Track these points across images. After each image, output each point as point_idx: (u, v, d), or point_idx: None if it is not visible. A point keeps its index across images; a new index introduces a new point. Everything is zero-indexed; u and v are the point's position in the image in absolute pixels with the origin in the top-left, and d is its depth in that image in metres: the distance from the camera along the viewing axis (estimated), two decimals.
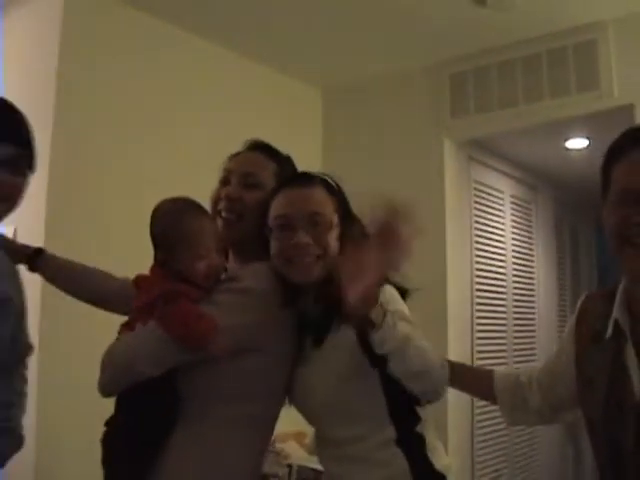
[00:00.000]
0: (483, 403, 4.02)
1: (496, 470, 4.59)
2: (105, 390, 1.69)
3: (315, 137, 4.79)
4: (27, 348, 1.93)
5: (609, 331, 1.59)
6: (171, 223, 1.75)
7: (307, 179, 1.84)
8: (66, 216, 3.24)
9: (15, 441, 1.83)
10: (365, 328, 1.46)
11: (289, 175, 1.93)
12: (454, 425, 4.10)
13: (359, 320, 1.46)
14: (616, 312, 1.59)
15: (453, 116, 4.39)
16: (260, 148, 1.99)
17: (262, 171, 1.93)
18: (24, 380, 1.91)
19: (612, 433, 1.53)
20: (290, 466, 3.61)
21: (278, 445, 3.62)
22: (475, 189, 4.67)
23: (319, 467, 2.86)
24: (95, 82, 3.44)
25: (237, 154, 2.00)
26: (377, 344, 1.45)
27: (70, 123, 3.32)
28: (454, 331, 4.17)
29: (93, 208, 3.33)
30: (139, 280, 1.79)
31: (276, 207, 1.80)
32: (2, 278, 1.73)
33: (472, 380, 2.04)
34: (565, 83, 3.90)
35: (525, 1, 3.60)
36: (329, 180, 1.86)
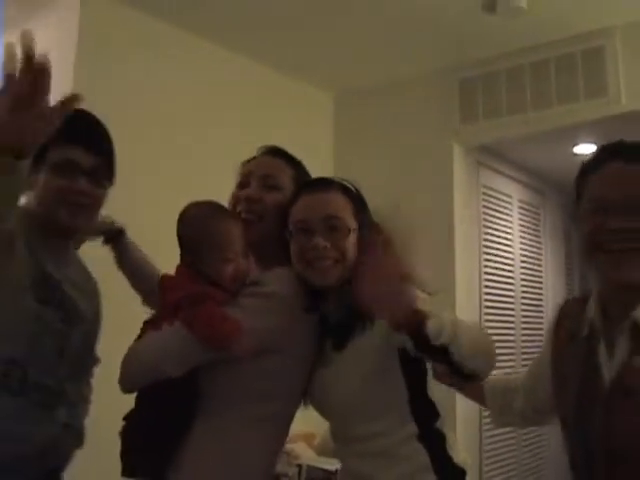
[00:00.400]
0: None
1: (504, 471, 4.62)
2: (127, 386, 1.73)
3: (327, 141, 4.84)
4: (95, 359, 2.04)
5: (584, 331, 1.68)
6: (200, 227, 1.78)
7: (326, 184, 1.86)
8: None
9: (77, 440, 1.92)
10: (415, 327, 1.45)
11: (309, 180, 1.96)
12: (463, 427, 4.13)
13: (406, 321, 1.46)
14: (590, 313, 1.68)
15: (462, 121, 4.43)
16: (276, 153, 2.01)
17: (281, 174, 1.95)
18: (90, 388, 2.02)
19: (583, 427, 1.61)
20: (300, 466, 3.65)
21: (288, 445, 3.65)
22: (484, 194, 4.71)
23: (328, 467, 2.89)
24: (111, 88, 3.48)
25: (253, 159, 2.02)
26: (434, 336, 1.44)
27: None
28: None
29: (110, 211, 3.35)
30: (165, 280, 1.81)
31: (296, 211, 1.83)
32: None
33: None
34: (573, 89, 3.94)
35: (534, 8, 3.63)
36: (348, 185, 1.88)
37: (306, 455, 3.79)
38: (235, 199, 1.94)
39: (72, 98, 1.39)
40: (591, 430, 1.59)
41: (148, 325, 1.78)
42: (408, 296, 1.44)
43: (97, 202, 1.89)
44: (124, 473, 1.72)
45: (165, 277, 1.82)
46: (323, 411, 1.86)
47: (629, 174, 1.58)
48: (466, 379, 1.58)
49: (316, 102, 4.85)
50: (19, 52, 1.27)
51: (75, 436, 1.93)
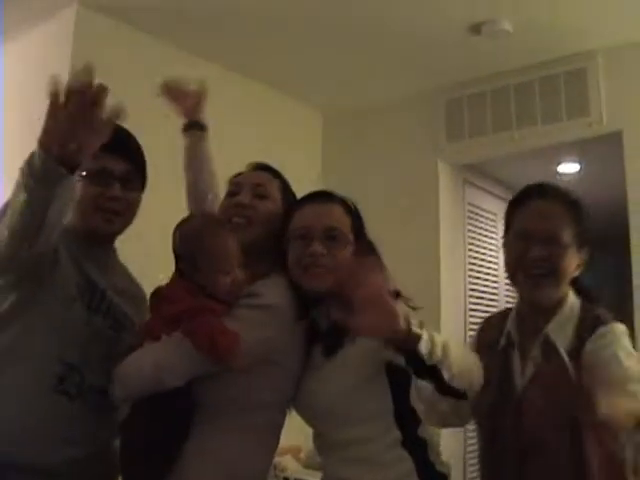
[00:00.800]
0: None
1: None
2: (123, 396, 1.74)
3: (314, 158, 4.89)
4: None
5: (502, 342, 1.97)
6: (196, 240, 1.81)
7: (328, 196, 1.94)
8: None
9: None
10: (409, 347, 1.53)
11: (311, 192, 2.00)
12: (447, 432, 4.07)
13: (398, 341, 1.54)
14: (509, 326, 1.98)
15: (449, 140, 4.52)
16: (264, 167, 2.09)
17: (270, 184, 2.02)
18: None
19: (496, 421, 1.90)
20: (286, 479, 3.68)
21: (275, 458, 3.67)
22: (469, 211, 4.77)
23: None
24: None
25: (240, 174, 2.08)
26: (427, 357, 1.53)
27: None
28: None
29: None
30: (162, 291, 1.82)
31: (297, 219, 1.90)
32: None
33: None
34: (556, 110, 4.03)
35: (518, 31, 3.74)
36: (348, 202, 1.95)
37: (293, 468, 3.82)
38: (225, 207, 2.00)
39: (118, 112, 1.49)
40: (503, 424, 1.86)
41: (145, 335, 1.78)
42: (400, 316, 1.50)
43: (131, 206, 1.98)
44: None
45: (162, 289, 1.83)
46: (308, 416, 1.89)
47: (547, 211, 1.93)
48: (451, 397, 1.66)
49: (305, 120, 4.91)
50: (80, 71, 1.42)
51: None
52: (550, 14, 3.62)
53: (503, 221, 4.72)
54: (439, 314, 4.25)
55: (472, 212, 4.81)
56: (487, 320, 2.17)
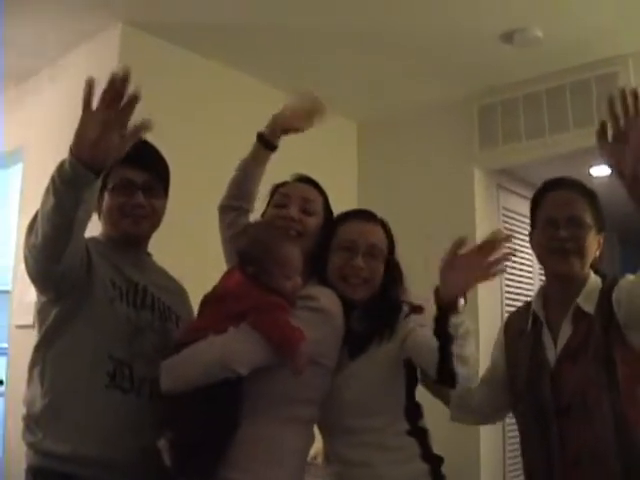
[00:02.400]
0: None
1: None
2: (180, 386, 1.81)
3: (351, 169, 4.95)
4: None
5: (529, 324, 2.17)
6: (268, 247, 1.94)
7: (374, 217, 2.15)
8: None
9: None
10: (447, 311, 1.73)
11: (357, 209, 2.21)
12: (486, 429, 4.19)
13: (447, 304, 1.74)
14: (534, 307, 2.18)
15: (482, 147, 4.57)
16: (309, 181, 2.21)
17: (317, 200, 2.16)
18: None
19: (534, 395, 2.07)
20: None
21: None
22: (504, 215, 4.81)
23: None
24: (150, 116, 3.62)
25: (286, 183, 2.20)
26: (453, 325, 1.72)
27: None
28: (486, 354, 4.17)
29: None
30: (220, 290, 1.96)
31: (345, 232, 2.09)
32: None
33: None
34: (588, 114, 4.06)
35: (549, 37, 3.81)
36: (385, 223, 2.16)
37: None
38: (273, 217, 2.12)
39: (146, 124, 1.63)
40: (542, 393, 2.04)
41: (203, 332, 1.86)
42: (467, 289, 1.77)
43: (156, 211, 2.15)
44: (174, 472, 1.83)
45: (221, 288, 1.96)
46: (327, 406, 1.99)
47: (568, 197, 2.14)
48: (445, 381, 1.80)
49: (341, 130, 4.96)
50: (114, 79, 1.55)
51: None
52: (580, 20, 3.67)
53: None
54: (477, 320, 4.22)
55: (507, 216, 4.85)
56: (508, 318, 2.38)
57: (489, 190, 4.72)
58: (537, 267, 4.98)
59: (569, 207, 2.12)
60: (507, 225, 4.82)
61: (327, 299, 1.97)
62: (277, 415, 1.88)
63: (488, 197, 4.70)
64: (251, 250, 1.97)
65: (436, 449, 2.04)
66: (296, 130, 2.24)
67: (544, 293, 2.21)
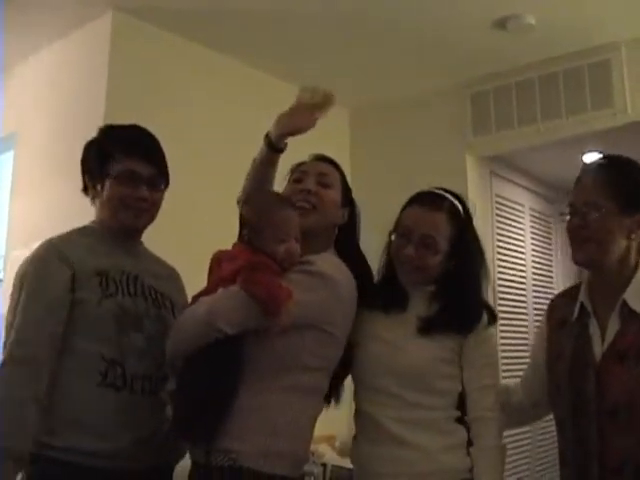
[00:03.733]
0: None
1: (517, 466, 4.72)
2: (177, 350, 1.88)
3: (343, 155, 4.71)
4: None
5: (575, 313, 2.00)
6: (263, 209, 1.96)
7: (438, 202, 2.10)
8: None
9: None
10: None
11: (427, 191, 2.17)
12: None
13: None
14: (581, 297, 2.00)
15: (475, 133, 4.58)
16: (326, 159, 2.23)
17: (333, 174, 2.17)
18: None
19: (576, 387, 1.90)
20: (324, 465, 3.76)
21: (312, 446, 3.75)
22: (496, 202, 4.82)
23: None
24: (142, 101, 3.63)
25: (303, 163, 2.21)
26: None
27: None
28: None
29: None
30: (220, 254, 1.96)
31: (405, 217, 2.11)
32: None
33: None
34: (581, 101, 4.09)
35: (542, 25, 3.81)
36: (458, 205, 2.12)
37: (329, 455, 3.90)
38: (290, 192, 2.12)
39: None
40: (584, 389, 1.88)
41: (201, 295, 1.91)
42: None
43: (156, 205, 2.16)
44: (176, 435, 1.91)
45: (221, 252, 1.97)
46: (388, 370, 2.02)
47: (587, 182, 1.97)
48: None
49: (332, 117, 4.82)
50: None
51: None
52: (573, 7, 3.67)
53: (530, 213, 4.80)
54: None
55: (500, 203, 4.87)
56: (555, 299, 2.21)
57: (482, 177, 4.72)
58: (530, 256, 5.11)
59: (584, 191, 1.96)
60: (500, 213, 4.84)
61: (323, 263, 1.95)
62: (278, 383, 1.87)
63: (481, 184, 4.70)
64: (247, 214, 1.99)
65: None
66: (301, 131, 2.14)
67: (589, 282, 2.04)
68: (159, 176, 2.14)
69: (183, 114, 3.87)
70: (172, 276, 2.30)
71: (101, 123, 3.34)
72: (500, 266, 4.75)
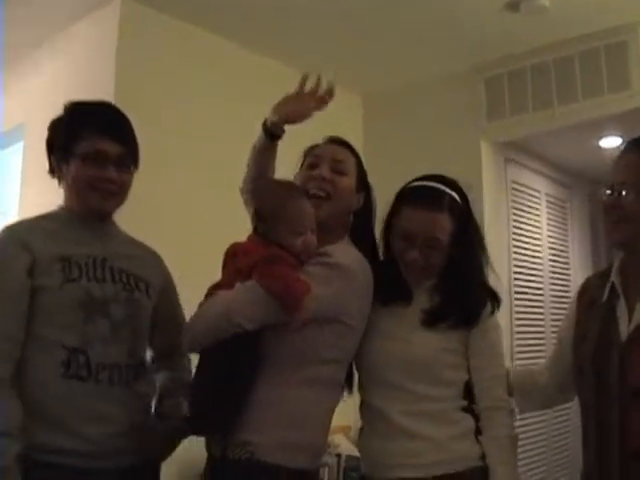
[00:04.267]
0: None
1: (536, 454, 4.68)
2: (195, 344, 1.87)
3: (356, 143, 4.72)
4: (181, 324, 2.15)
5: (605, 294, 1.97)
6: (278, 201, 1.92)
7: (438, 201, 2.05)
8: (133, 221, 3.33)
9: (174, 421, 2.06)
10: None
11: (422, 188, 2.11)
12: None
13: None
14: (613, 277, 1.97)
15: (489, 119, 4.51)
16: (342, 142, 2.17)
17: (349, 160, 2.10)
18: (183, 357, 2.21)
19: (599, 367, 1.88)
20: (339, 455, 3.76)
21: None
22: (512, 189, 4.77)
23: None
24: (150, 86, 3.63)
25: (316, 146, 2.17)
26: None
27: None
28: None
29: (151, 217, 3.45)
30: (236, 247, 1.92)
31: (404, 219, 2.05)
32: None
33: None
34: (597, 84, 4.01)
35: (556, 6, 3.73)
36: (456, 197, 2.09)
37: (344, 446, 3.89)
38: (305, 178, 2.07)
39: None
40: (607, 370, 1.85)
41: (216, 288, 1.87)
42: None
43: (124, 187, 2.05)
44: (191, 430, 1.89)
45: (236, 245, 1.93)
46: (394, 364, 2.00)
47: (623, 161, 1.94)
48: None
49: (345, 103, 4.85)
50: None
51: (172, 424, 2.05)
52: None
53: (546, 198, 4.76)
54: None
55: (516, 189, 4.82)
56: (586, 281, 2.19)
57: (497, 163, 4.67)
58: (546, 242, 5.06)
59: (621, 170, 1.94)
60: (516, 199, 4.79)
61: (344, 255, 1.94)
62: (296, 376, 1.86)
63: (496, 170, 4.65)
64: (261, 207, 1.96)
65: None
66: (299, 120, 2.12)
67: (622, 263, 2.01)
68: (128, 156, 2.03)
69: (192, 101, 3.84)
70: (147, 256, 2.20)
71: None
72: (516, 252, 4.71)
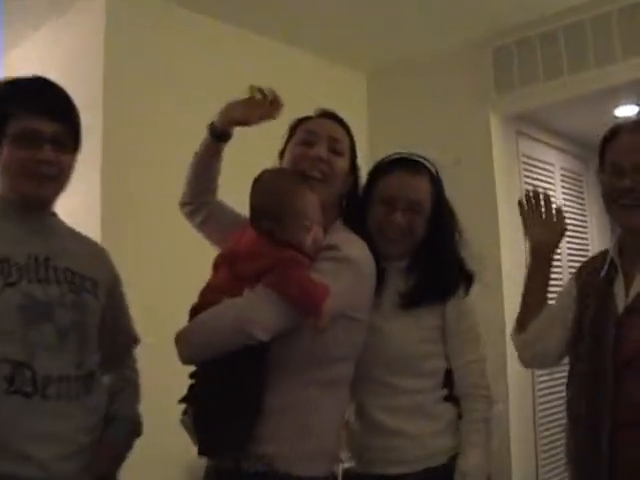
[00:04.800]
0: (545, 376, 4.22)
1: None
2: (196, 355, 1.74)
3: (361, 121, 4.75)
4: (128, 331, 2.09)
5: (604, 269, 2.03)
6: (282, 198, 1.81)
7: (418, 167, 2.10)
8: (122, 217, 3.35)
9: (126, 429, 1.94)
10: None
11: (403, 156, 2.14)
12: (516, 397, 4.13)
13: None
14: (611, 253, 2.04)
15: (498, 91, 4.39)
16: (336, 118, 2.05)
17: (345, 140, 2.00)
18: (131, 363, 2.11)
19: (595, 338, 1.95)
20: None
21: None
22: (524, 163, 4.65)
23: None
24: (139, 70, 3.56)
25: (309, 118, 2.05)
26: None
27: (119, 122, 3.43)
28: (510, 303, 3.94)
29: (148, 204, 3.43)
30: (235, 251, 1.82)
31: (385, 185, 2.07)
32: None
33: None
34: (610, 50, 3.87)
35: None
36: (432, 169, 2.13)
37: None
38: (299, 156, 1.95)
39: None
40: (603, 341, 1.92)
41: (216, 295, 1.75)
42: None
43: (63, 169, 1.84)
44: (202, 453, 1.75)
45: (235, 248, 1.82)
46: (374, 359, 1.97)
47: (636, 144, 1.95)
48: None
49: (348, 82, 4.80)
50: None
51: (123, 425, 1.92)
52: None
53: (561, 172, 4.70)
54: (500, 270, 4.14)
55: (528, 164, 4.69)
56: (584, 262, 2.28)
57: (507, 137, 4.54)
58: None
59: (635, 154, 1.93)
60: (529, 174, 4.67)
61: (351, 246, 1.86)
62: (307, 379, 1.78)
63: (507, 145, 4.53)
64: (264, 203, 1.84)
65: None
66: (249, 123, 2.04)
67: (620, 240, 2.07)
68: (66, 135, 1.82)
69: (184, 85, 3.74)
70: (94, 252, 2.01)
71: (100, 97, 3.42)
72: None
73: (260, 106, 2.01)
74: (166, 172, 3.46)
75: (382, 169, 2.11)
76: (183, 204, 2.15)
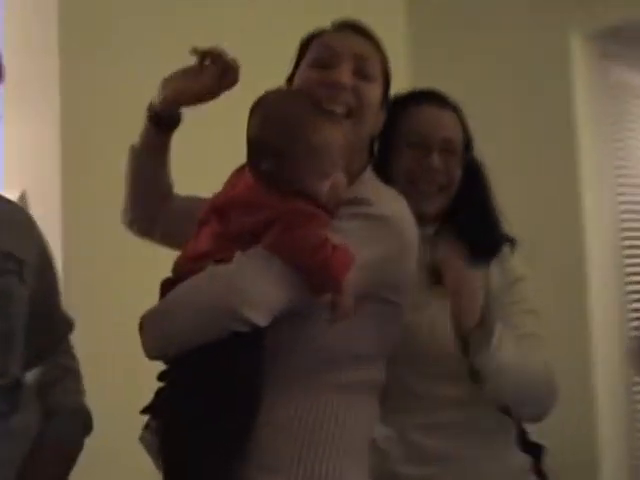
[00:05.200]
0: None
1: None
2: (168, 347, 1.43)
3: (397, 37, 4.22)
4: (63, 317, 1.92)
5: None
6: (296, 128, 1.53)
7: (445, 101, 1.97)
8: (84, 175, 3.12)
9: (58, 453, 1.75)
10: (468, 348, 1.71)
11: (423, 90, 2.02)
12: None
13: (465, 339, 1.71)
14: None
15: (580, 2, 3.77)
16: (361, 30, 1.73)
17: (375, 58, 1.71)
18: (69, 360, 1.92)
19: None
20: None
21: None
22: (615, 92, 4.06)
23: None
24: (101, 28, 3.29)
25: (323, 32, 1.73)
26: (477, 366, 1.68)
27: (79, 75, 3.17)
28: (597, 289, 3.63)
29: (112, 164, 3.14)
30: (224, 200, 1.54)
31: (412, 122, 1.91)
32: None
33: None
34: None
35: None
36: (458, 107, 1.99)
37: None
38: (315, 82, 1.65)
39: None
40: None
41: (189, 265, 1.47)
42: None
43: None
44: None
45: (223, 197, 1.57)
46: (408, 354, 1.76)
47: None
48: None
49: (383, 9, 4.22)
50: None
51: (66, 421, 1.75)
52: None
53: None
54: (583, 237, 3.63)
55: (620, 94, 4.07)
56: None
57: (592, 61, 3.89)
58: None
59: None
60: (621, 106, 4.07)
61: (388, 202, 1.61)
62: (325, 382, 1.51)
63: (591, 71, 3.88)
64: (266, 135, 1.55)
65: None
66: (200, 99, 1.75)
67: None
68: None
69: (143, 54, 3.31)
70: (15, 220, 1.78)
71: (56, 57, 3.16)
72: (624, 184, 4.00)
73: (211, 75, 1.71)
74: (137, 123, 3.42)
75: (408, 102, 1.94)
76: (130, 222, 1.90)
